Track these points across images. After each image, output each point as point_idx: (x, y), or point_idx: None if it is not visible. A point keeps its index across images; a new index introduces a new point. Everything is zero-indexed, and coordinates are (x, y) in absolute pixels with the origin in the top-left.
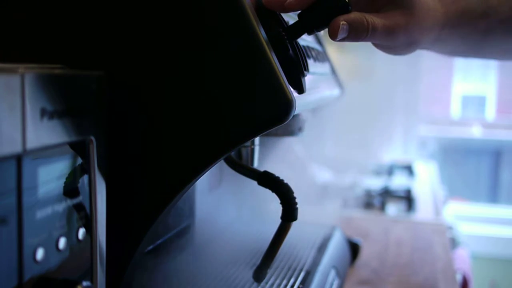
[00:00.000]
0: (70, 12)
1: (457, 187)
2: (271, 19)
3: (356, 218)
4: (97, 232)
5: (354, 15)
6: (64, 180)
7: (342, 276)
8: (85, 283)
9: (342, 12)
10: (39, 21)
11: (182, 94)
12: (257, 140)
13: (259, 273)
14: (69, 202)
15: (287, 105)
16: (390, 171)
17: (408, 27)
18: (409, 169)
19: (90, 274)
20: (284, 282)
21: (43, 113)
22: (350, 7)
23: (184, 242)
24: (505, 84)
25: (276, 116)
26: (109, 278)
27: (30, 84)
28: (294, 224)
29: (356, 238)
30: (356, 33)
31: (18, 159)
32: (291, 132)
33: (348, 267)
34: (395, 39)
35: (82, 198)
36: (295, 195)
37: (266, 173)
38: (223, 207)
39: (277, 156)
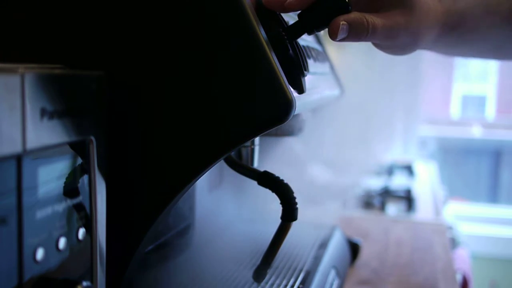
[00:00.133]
0: (70, 12)
1: (457, 187)
2: (271, 19)
3: (356, 218)
4: (97, 232)
5: (354, 15)
6: (64, 180)
7: (342, 276)
8: (85, 283)
9: (342, 12)
10: (39, 21)
11: (182, 94)
12: (257, 140)
13: (259, 273)
14: (69, 202)
15: (287, 105)
16: (390, 171)
17: (408, 27)
18: (409, 169)
19: (90, 274)
20: (284, 282)
21: (43, 113)
22: (350, 7)
23: (184, 242)
24: (505, 84)
25: (276, 116)
26: (109, 278)
27: (30, 84)
28: (294, 224)
29: (356, 238)
30: (356, 33)
31: (18, 159)
32: (291, 132)
33: (348, 267)
34: (395, 39)
35: (82, 198)
36: (295, 195)
37: (266, 173)
38: (223, 207)
39: (277, 156)
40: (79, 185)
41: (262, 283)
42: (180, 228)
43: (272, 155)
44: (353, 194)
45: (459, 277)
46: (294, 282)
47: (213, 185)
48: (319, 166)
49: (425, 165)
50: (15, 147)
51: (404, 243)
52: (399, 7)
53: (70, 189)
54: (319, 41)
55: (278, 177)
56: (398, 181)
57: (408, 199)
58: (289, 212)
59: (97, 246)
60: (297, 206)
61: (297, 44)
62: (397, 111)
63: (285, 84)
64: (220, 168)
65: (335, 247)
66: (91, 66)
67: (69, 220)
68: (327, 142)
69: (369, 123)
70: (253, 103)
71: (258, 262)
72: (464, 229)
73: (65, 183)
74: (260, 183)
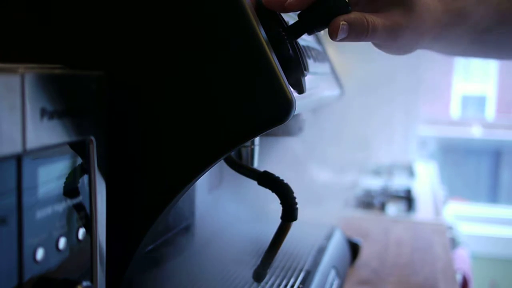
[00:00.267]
0: (70, 12)
1: (457, 187)
2: (271, 19)
3: (356, 218)
4: (97, 232)
5: (354, 15)
6: (64, 180)
7: (342, 276)
8: (85, 283)
9: (342, 12)
10: (39, 21)
11: (182, 94)
12: (257, 140)
13: (259, 273)
14: (69, 202)
15: (287, 105)
16: (390, 171)
17: (408, 26)
18: (409, 169)
19: (90, 274)
20: (284, 282)
21: (43, 113)
22: (350, 7)
23: (184, 242)
24: (505, 84)
25: (276, 116)
26: (109, 278)
27: (30, 84)
28: (294, 224)
29: (356, 238)
30: (356, 33)
31: (18, 159)
32: (291, 132)
33: (348, 267)
34: (396, 39)
35: (82, 198)
36: (295, 195)
37: (266, 173)
38: (223, 207)
39: (277, 156)
40: (79, 185)
41: (262, 283)
42: (180, 228)
43: (272, 155)
44: (353, 194)
45: (459, 277)
46: (294, 282)
47: (213, 185)
48: (319, 166)
49: (425, 165)
50: (15, 147)
51: (404, 243)
52: (399, 6)
53: (70, 189)
54: (319, 41)
55: (278, 177)
56: (398, 181)
57: (408, 199)
58: (289, 212)
59: (97, 246)
60: (297, 206)
61: (297, 44)
62: (397, 111)
63: (285, 84)
64: (220, 168)
65: (335, 247)
66: (91, 66)
67: (69, 220)
68: (327, 142)
69: (369, 123)
70: (253, 103)
71: (258, 262)
72: (464, 229)
73: (65, 183)
74: (260, 183)
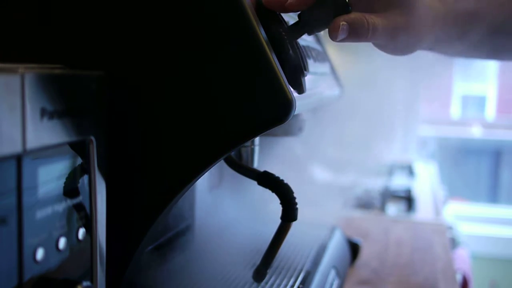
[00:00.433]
0: (70, 12)
1: (457, 187)
2: (271, 19)
3: (356, 218)
4: (97, 232)
5: (354, 15)
6: (64, 180)
7: (342, 276)
8: (85, 283)
9: (342, 13)
10: (39, 21)
11: (182, 94)
12: (257, 140)
13: (259, 273)
14: (69, 202)
15: (287, 105)
16: (390, 171)
17: (409, 27)
18: (409, 169)
19: (90, 274)
20: (284, 282)
21: (43, 113)
22: (350, 8)
23: (184, 242)
24: (505, 84)
25: (276, 116)
26: (109, 278)
27: (30, 84)
28: (294, 224)
29: (356, 238)
30: (356, 34)
31: (18, 159)
32: (291, 132)
33: (348, 267)
34: (396, 39)
35: (82, 198)
36: (295, 195)
37: (266, 173)
38: (223, 207)
39: (277, 156)
40: (79, 185)
41: (262, 283)
42: (180, 228)
43: (272, 155)
44: (353, 194)
45: (459, 277)
46: (294, 282)
47: (213, 185)
48: (319, 166)
49: (425, 165)
50: (15, 147)
51: (404, 243)
52: (399, 7)
53: (70, 189)
54: (319, 41)
55: (278, 177)
56: (398, 181)
57: (408, 199)
58: (289, 212)
59: (97, 246)
60: (297, 206)
61: (297, 44)
62: (397, 111)
63: (285, 84)
64: (220, 168)
65: (335, 247)
66: (91, 66)
67: (69, 220)
68: (327, 142)
69: (369, 123)
70: (253, 103)
71: (258, 262)
72: (464, 229)
73: (65, 183)
74: (260, 183)
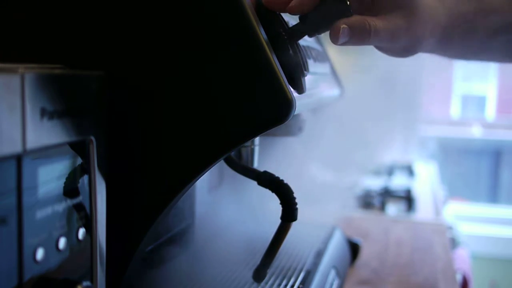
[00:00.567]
0: (70, 12)
1: (457, 187)
2: (271, 19)
3: (356, 218)
4: (97, 232)
5: (355, 18)
6: (64, 180)
7: (342, 276)
8: (85, 283)
9: (343, 16)
10: (39, 21)
11: (182, 94)
12: (257, 140)
13: (259, 273)
14: (69, 202)
15: (287, 105)
16: (390, 171)
17: (410, 29)
18: (409, 169)
19: (90, 274)
20: (284, 282)
21: (43, 113)
22: (351, 11)
23: (184, 242)
24: (505, 84)
25: (276, 116)
26: (109, 278)
27: (30, 84)
28: (294, 224)
29: (356, 238)
30: (358, 37)
31: (18, 159)
32: (291, 132)
33: (348, 267)
34: (397, 42)
35: (82, 198)
36: (295, 195)
37: (266, 173)
38: (223, 207)
39: (277, 156)
40: (79, 185)
41: (262, 283)
42: (180, 228)
43: (272, 155)
44: (353, 194)
45: (459, 277)
46: (294, 282)
47: (213, 185)
48: (319, 166)
49: (425, 165)
50: (15, 147)
51: (404, 243)
52: (401, 9)
53: (70, 189)
54: (319, 41)
55: (278, 177)
56: (398, 181)
57: (408, 199)
58: (289, 212)
59: (97, 246)
60: (297, 206)
61: (297, 44)
62: (397, 111)
63: (285, 84)
64: (220, 168)
65: (335, 247)
66: (91, 66)
67: (69, 220)
68: (327, 142)
69: (369, 123)
70: (253, 103)
71: (258, 262)
72: (464, 229)
73: (65, 183)
74: (260, 183)
